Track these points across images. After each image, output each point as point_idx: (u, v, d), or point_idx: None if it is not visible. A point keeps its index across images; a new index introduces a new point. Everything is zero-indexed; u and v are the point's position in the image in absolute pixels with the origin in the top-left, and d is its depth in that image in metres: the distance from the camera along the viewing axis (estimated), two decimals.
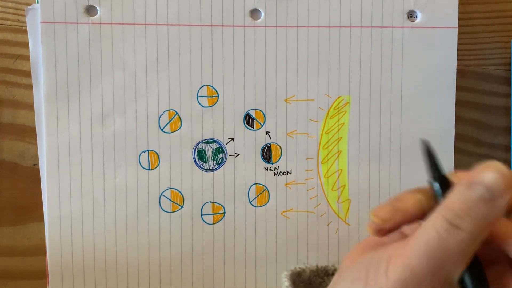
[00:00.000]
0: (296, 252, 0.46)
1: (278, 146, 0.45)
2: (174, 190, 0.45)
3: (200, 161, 0.45)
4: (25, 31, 0.45)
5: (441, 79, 0.46)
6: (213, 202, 0.45)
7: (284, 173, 0.46)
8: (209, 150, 0.45)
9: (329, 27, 0.45)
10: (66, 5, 0.43)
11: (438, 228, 0.25)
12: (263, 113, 0.45)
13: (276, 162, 0.45)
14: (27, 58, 0.45)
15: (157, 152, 0.45)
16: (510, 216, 0.27)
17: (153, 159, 0.45)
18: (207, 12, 0.44)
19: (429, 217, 0.26)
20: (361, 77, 0.45)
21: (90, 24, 0.44)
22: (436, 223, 0.25)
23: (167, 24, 0.44)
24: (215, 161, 0.45)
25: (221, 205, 0.45)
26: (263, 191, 0.45)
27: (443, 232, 0.25)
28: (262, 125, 0.45)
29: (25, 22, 0.45)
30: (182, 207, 0.45)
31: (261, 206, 0.45)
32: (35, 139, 0.45)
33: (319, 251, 0.46)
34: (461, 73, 0.47)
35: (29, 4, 0.45)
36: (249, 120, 0.45)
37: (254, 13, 0.45)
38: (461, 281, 0.25)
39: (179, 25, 0.44)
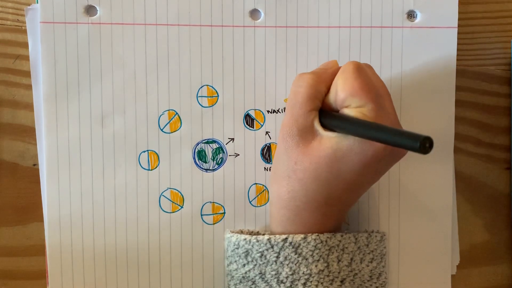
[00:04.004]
0: None
1: None
2: (174, 190, 0.45)
3: (200, 161, 0.45)
4: (25, 31, 0.45)
5: (441, 79, 0.45)
6: (213, 202, 0.45)
7: None
8: (209, 150, 0.45)
9: (329, 27, 0.45)
10: (65, 5, 0.43)
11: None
12: (262, 113, 0.45)
13: None
14: (26, 58, 0.45)
15: (157, 152, 0.45)
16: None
17: (153, 159, 0.45)
18: (206, 12, 0.44)
19: None
20: None
21: (89, 24, 0.44)
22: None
23: (167, 24, 0.44)
24: (215, 161, 0.45)
25: (221, 205, 0.45)
26: (263, 191, 0.45)
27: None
28: (262, 125, 0.45)
29: (25, 22, 0.45)
30: (182, 207, 0.45)
31: (261, 206, 0.45)
32: (35, 139, 0.45)
33: None
34: (461, 73, 0.47)
35: (29, 4, 0.45)
36: (249, 120, 0.45)
37: (254, 13, 0.45)
38: (322, 124, 0.39)
39: (178, 25, 0.44)
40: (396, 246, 0.46)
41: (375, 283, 0.42)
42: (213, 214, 0.45)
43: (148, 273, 0.45)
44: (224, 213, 0.45)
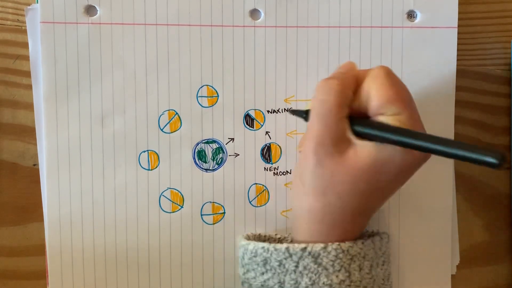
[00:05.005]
0: None
1: (278, 146, 0.45)
2: (174, 190, 0.45)
3: (200, 161, 0.45)
4: (25, 31, 0.45)
5: (441, 79, 0.45)
6: (213, 202, 0.45)
7: (284, 173, 0.46)
8: (209, 150, 0.45)
9: (329, 27, 0.45)
10: (65, 5, 0.43)
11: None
12: (262, 113, 0.45)
13: (276, 162, 0.45)
14: (27, 58, 0.45)
15: (157, 152, 0.45)
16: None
17: (153, 159, 0.45)
18: (207, 12, 0.44)
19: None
20: None
21: (89, 24, 0.44)
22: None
23: (167, 24, 0.44)
24: (215, 161, 0.45)
25: (221, 205, 0.45)
26: (263, 191, 0.45)
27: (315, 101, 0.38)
28: (262, 125, 0.45)
29: (25, 22, 0.45)
30: (182, 207, 0.45)
31: (261, 206, 0.45)
32: (35, 139, 0.45)
33: None
34: (461, 73, 0.47)
35: (29, 4, 0.45)
36: (248, 120, 0.45)
37: (254, 13, 0.45)
38: (355, 132, 0.38)
39: (178, 25, 0.44)
40: (396, 246, 0.46)
41: (387, 285, 0.41)
42: (213, 214, 0.45)
43: (148, 273, 0.45)
44: (224, 213, 0.45)
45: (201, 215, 0.45)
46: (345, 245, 0.38)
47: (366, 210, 0.39)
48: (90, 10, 0.44)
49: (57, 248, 0.44)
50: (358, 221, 0.39)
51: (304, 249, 0.38)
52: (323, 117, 0.37)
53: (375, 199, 0.39)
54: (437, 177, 0.46)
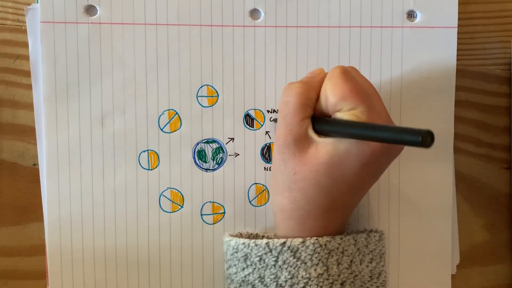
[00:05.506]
0: None
1: None
2: (174, 190, 0.45)
3: (200, 161, 0.45)
4: (25, 31, 0.45)
5: (440, 79, 0.45)
6: (213, 202, 0.45)
7: None
8: (209, 150, 0.45)
9: (329, 27, 0.45)
10: (65, 5, 0.44)
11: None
12: (262, 113, 0.45)
13: None
14: (27, 58, 0.45)
15: (157, 152, 0.45)
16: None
17: (153, 159, 0.45)
18: (207, 12, 0.44)
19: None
20: None
21: (89, 24, 0.44)
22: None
23: (167, 24, 0.44)
24: (215, 161, 0.45)
25: (221, 205, 0.45)
26: (263, 190, 0.45)
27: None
28: (262, 125, 0.45)
29: (25, 22, 0.45)
30: (182, 207, 0.45)
31: (261, 205, 0.45)
32: (35, 139, 0.45)
33: None
34: (461, 73, 0.47)
35: (29, 4, 0.45)
36: (248, 120, 0.45)
37: (254, 13, 0.45)
38: (317, 131, 0.39)
39: (178, 25, 0.44)
40: (396, 246, 0.46)
41: (375, 283, 0.42)
42: (213, 214, 0.45)
43: (148, 273, 0.45)
44: (224, 213, 0.45)
45: (201, 215, 0.45)
46: (323, 239, 0.40)
47: (337, 205, 0.40)
48: (90, 10, 0.44)
49: (57, 248, 0.44)
50: (331, 217, 0.40)
51: (283, 244, 0.39)
52: (285, 118, 0.40)
53: (344, 194, 0.39)
54: (437, 177, 0.46)
